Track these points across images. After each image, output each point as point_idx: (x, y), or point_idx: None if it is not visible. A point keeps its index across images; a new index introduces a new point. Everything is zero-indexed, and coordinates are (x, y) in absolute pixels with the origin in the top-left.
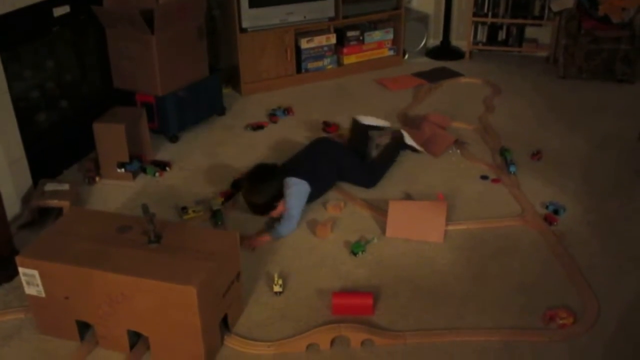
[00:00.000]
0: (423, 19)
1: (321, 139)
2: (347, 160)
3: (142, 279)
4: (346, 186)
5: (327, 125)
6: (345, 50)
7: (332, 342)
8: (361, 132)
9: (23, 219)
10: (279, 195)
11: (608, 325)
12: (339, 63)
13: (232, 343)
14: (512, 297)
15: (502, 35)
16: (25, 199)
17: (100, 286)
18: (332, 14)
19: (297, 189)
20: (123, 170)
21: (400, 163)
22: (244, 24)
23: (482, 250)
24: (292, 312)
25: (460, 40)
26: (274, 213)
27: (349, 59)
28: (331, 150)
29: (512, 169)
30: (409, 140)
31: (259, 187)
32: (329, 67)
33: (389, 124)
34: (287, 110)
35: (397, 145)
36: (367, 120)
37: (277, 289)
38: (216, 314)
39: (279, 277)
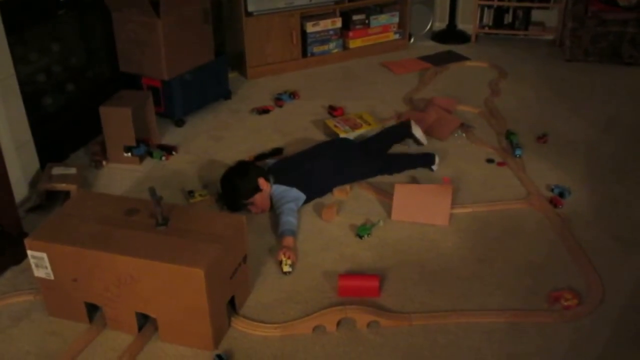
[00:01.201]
0: (429, 2)
1: (330, 142)
2: (357, 166)
3: (150, 261)
4: None
5: (332, 109)
6: (350, 34)
7: (339, 323)
8: (400, 135)
9: (31, 202)
10: (251, 192)
11: (612, 307)
12: (345, 47)
13: (239, 325)
14: (518, 279)
15: (508, 18)
16: (33, 183)
17: (108, 268)
18: None
19: (283, 196)
20: (130, 154)
21: (404, 146)
22: (250, 8)
23: (488, 233)
24: (299, 295)
25: (466, 23)
26: (254, 209)
27: (354, 43)
28: (338, 155)
29: (518, 152)
30: (416, 131)
31: (232, 183)
32: (335, 50)
33: (426, 142)
34: (292, 94)
35: (402, 132)
36: (417, 131)
37: (286, 268)
38: (223, 295)
39: (288, 257)
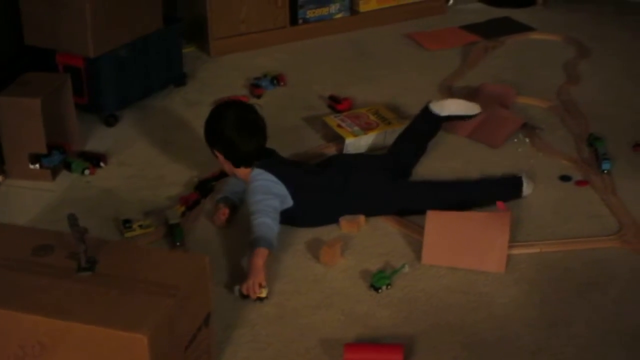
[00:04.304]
0: None
1: (336, 156)
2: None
3: (68, 322)
4: None
5: (335, 101)
6: None
7: None
8: (425, 127)
9: None
10: (209, 139)
11: None
12: (353, 10)
13: None
14: (608, 353)
15: None
16: None
17: (7, 333)
18: None
19: (255, 185)
20: (38, 165)
21: (441, 155)
22: None
23: (563, 285)
24: None
25: None
26: (220, 160)
27: (367, 5)
28: (349, 169)
29: (606, 165)
30: (528, 189)
31: (210, 115)
32: (339, 15)
33: (479, 110)
34: (276, 79)
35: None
36: (450, 107)
37: (264, 293)
38: None
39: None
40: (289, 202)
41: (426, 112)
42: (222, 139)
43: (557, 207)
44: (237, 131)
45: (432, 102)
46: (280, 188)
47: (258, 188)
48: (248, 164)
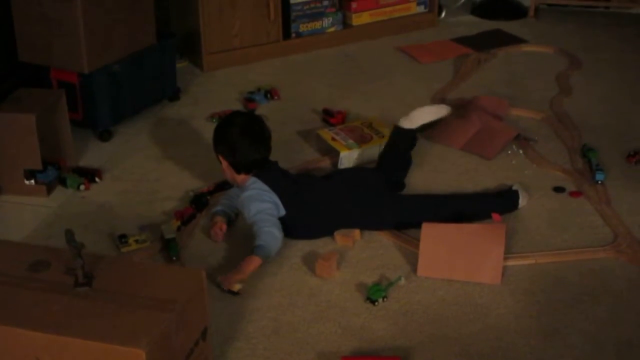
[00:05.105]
0: None
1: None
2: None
3: (66, 337)
4: None
5: (328, 115)
6: (354, 5)
7: None
8: (404, 143)
9: None
10: (215, 144)
11: None
12: (346, 24)
13: None
14: None
15: None
16: None
17: (5, 349)
18: None
19: (249, 194)
20: (33, 181)
21: (435, 167)
22: None
23: (558, 295)
24: None
25: None
26: (223, 166)
27: (359, 19)
28: (353, 184)
29: (600, 176)
30: (523, 200)
31: (221, 121)
32: (331, 29)
33: (448, 109)
34: (269, 93)
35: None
36: (419, 117)
37: (237, 287)
38: None
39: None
40: (282, 211)
41: (398, 130)
42: (226, 143)
43: (551, 218)
44: (240, 137)
45: (401, 119)
46: (272, 197)
47: (253, 196)
48: (248, 171)
